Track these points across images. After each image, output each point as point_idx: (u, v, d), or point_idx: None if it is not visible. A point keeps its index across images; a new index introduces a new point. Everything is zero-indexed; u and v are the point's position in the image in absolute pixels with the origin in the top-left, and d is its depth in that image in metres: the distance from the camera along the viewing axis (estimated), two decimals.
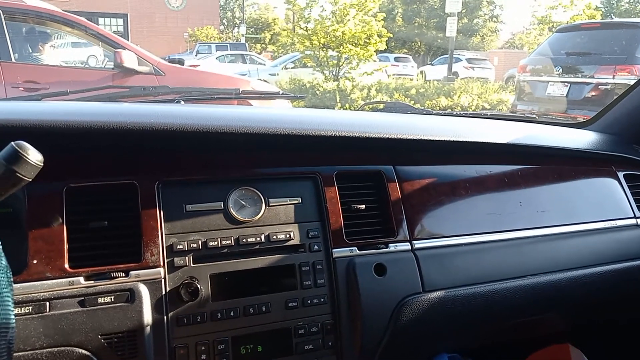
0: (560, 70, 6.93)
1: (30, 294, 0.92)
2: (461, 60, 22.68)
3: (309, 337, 1.09)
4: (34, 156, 0.74)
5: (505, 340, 1.56)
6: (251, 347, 1.05)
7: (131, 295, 0.97)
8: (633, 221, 1.48)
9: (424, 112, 1.96)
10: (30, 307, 0.91)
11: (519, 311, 1.32)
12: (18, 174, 0.72)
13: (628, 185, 1.52)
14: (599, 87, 6.47)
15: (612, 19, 9.32)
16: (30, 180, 0.75)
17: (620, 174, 1.53)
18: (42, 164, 0.76)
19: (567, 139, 1.58)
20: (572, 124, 1.88)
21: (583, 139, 1.60)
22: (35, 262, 0.94)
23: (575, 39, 7.16)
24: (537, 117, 1.89)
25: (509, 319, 1.35)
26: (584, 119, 1.84)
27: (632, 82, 1.69)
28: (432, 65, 24.44)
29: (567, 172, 1.47)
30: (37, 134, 0.96)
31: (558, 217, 1.38)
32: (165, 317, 0.99)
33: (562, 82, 6.86)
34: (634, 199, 1.50)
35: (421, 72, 21.83)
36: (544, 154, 1.47)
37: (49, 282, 0.93)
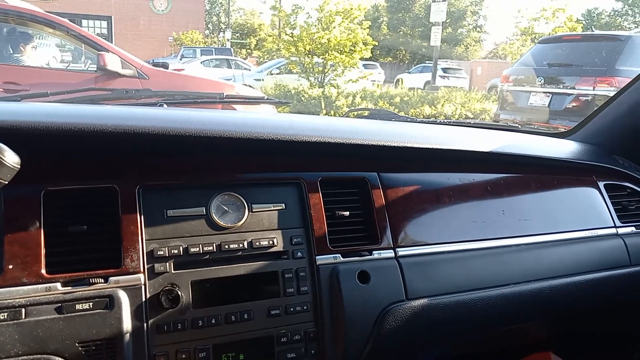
0: (543, 81, 7.03)
1: (6, 300, 0.89)
2: (437, 70, 22.95)
3: (291, 345, 1.08)
4: (11, 158, 0.72)
5: (488, 349, 1.56)
6: (233, 355, 1.04)
7: (110, 302, 0.95)
8: (613, 230, 1.49)
9: (408, 119, 1.97)
10: (5, 314, 0.88)
11: (502, 319, 1.32)
12: None
13: (608, 195, 1.54)
14: (580, 98, 6.58)
15: (593, 31, 9.50)
16: (7, 182, 0.73)
17: (601, 184, 1.54)
18: (19, 167, 0.75)
19: (549, 149, 1.60)
20: (554, 133, 1.90)
21: (565, 149, 1.62)
22: (11, 267, 0.91)
23: (557, 50, 7.28)
24: (519, 127, 1.91)
25: (492, 327, 1.35)
26: (565, 129, 1.87)
27: (611, 94, 1.71)
28: (409, 73, 24.99)
29: (549, 181, 1.48)
30: (15, 135, 0.94)
31: (540, 226, 1.39)
32: (145, 325, 0.97)
33: (544, 92, 6.96)
34: (614, 209, 1.52)
35: (399, 79, 22.26)
36: (526, 163, 1.48)
37: (25, 287, 0.91)
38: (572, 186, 1.52)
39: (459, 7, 41.73)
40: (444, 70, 23.20)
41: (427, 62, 26.46)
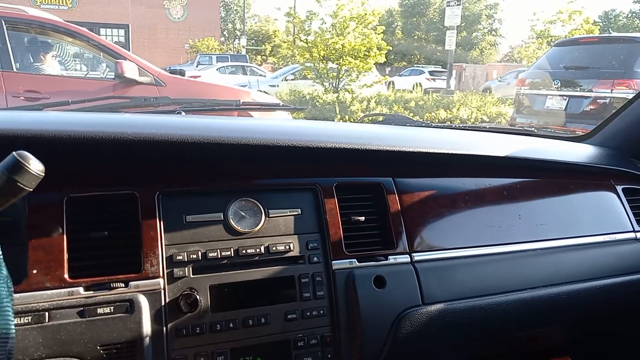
0: (559, 84, 6.96)
1: (30, 304, 0.91)
2: (424, 72, 25.39)
3: (308, 349, 1.09)
4: (35, 166, 0.74)
5: (504, 354, 1.55)
6: (250, 358, 1.05)
7: (130, 306, 0.97)
8: (632, 235, 1.48)
9: (423, 124, 1.98)
10: (30, 317, 0.90)
11: (519, 324, 1.32)
12: (19, 184, 0.73)
13: (627, 199, 1.52)
14: (598, 100, 6.50)
15: (610, 33, 9.38)
16: (31, 190, 0.75)
17: (619, 188, 1.53)
18: (43, 174, 0.76)
19: (566, 153, 1.59)
20: (571, 137, 1.88)
21: (582, 153, 1.61)
22: (35, 272, 0.94)
23: (573, 53, 7.20)
24: (535, 130, 1.90)
25: (509, 332, 1.34)
26: (582, 132, 1.85)
27: (630, 96, 1.69)
28: (400, 76, 26.14)
29: (566, 185, 1.47)
30: (38, 143, 0.96)
31: (557, 231, 1.38)
32: (164, 328, 0.99)
33: (560, 95, 6.89)
34: (632, 213, 1.51)
35: (391, 82, 22.98)
36: (542, 167, 1.47)
37: (49, 292, 0.93)
38: (589, 190, 1.51)
39: (474, 11, 41.54)
40: (431, 73, 25.31)
41: (415, 65, 29.65)
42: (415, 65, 30.53)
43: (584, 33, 13.86)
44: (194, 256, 1.04)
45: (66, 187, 1.01)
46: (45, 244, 0.96)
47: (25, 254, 0.94)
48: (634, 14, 40.06)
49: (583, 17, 15.07)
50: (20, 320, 0.89)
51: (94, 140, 1.00)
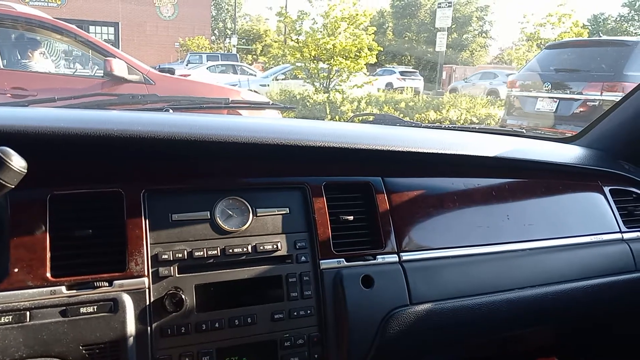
0: (549, 86, 7.01)
1: (11, 303, 0.90)
2: (395, 72, 26.34)
3: (295, 349, 1.08)
4: (17, 162, 0.73)
5: (492, 354, 1.55)
6: (236, 359, 1.04)
7: (114, 305, 0.95)
8: (618, 236, 1.49)
9: (413, 124, 1.97)
10: (10, 317, 0.89)
11: (506, 324, 1.32)
12: (0, 180, 0.71)
13: (614, 200, 1.53)
14: (587, 103, 6.55)
15: (600, 37, 9.46)
16: (13, 187, 0.74)
17: (607, 189, 1.54)
18: (26, 171, 0.75)
19: (555, 154, 1.60)
20: (559, 138, 1.89)
21: (570, 154, 1.61)
22: (16, 270, 0.92)
23: (563, 55, 7.26)
24: (525, 132, 1.91)
25: (496, 333, 1.35)
26: (571, 134, 1.86)
27: (619, 99, 1.70)
28: (373, 75, 26.59)
29: (554, 186, 1.48)
30: (22, 140, 0.94)
31: (545, 231, 1.39)
32: (149, 328, 0.98)
33: (551, 97, 6.94)
34: (619, 214, 1.52)
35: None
36: (531, 167, 1.48)
37: (30, 291, 0.91)
38: (577, 191, 1.51)
39: (465, 13, 41.79)
40: (402, 73, 26.29)
41: (387, 65, 30.90)
42: (387, 65, 31.60)
43: (574, 36, 13.97)
44: (180, 255, 1.03)
45: (50, 184, 0.99)
46: (27, 242, 0.94)
47: (6, 252, 0.92)
48: (622, 18, 40.49)
49: (572, 20, 15.20)
50: (0, 320, 0.88)
51: (79, 136, 0.99)
